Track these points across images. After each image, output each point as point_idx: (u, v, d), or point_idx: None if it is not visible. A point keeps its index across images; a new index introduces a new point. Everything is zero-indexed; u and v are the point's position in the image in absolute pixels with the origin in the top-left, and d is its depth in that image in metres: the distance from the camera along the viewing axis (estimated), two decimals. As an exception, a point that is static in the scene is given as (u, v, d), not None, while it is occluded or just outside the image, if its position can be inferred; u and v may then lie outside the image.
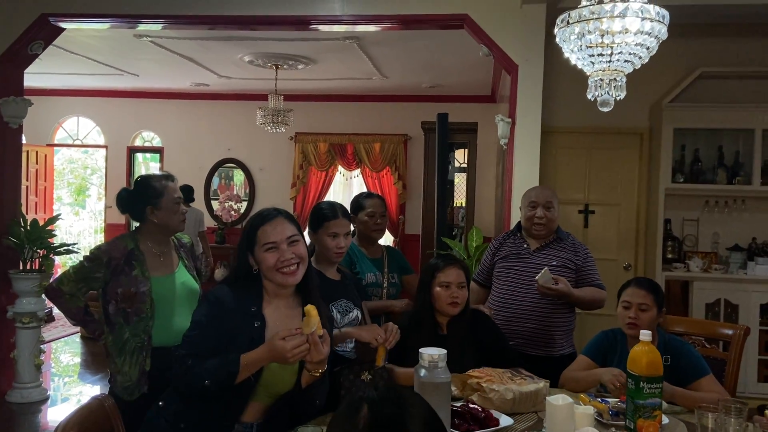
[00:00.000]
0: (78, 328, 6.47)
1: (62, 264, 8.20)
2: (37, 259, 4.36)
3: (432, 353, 1.67)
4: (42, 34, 4.37)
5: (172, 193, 2.51)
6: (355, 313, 2.41)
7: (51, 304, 5.35)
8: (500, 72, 5.83)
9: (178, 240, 2.67)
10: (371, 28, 4.42)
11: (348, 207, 3.01)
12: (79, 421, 1.40)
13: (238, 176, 8.64)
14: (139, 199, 2.52)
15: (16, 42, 4.32)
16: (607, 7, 1.54)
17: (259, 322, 1.82)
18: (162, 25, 4.51)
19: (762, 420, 1.74)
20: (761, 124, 4.50)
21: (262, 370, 1.76)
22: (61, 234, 9.74)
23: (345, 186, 8.33)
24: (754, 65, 4.59)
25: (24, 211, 4.49)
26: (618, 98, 1.69)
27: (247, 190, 8.55)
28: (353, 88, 7.66)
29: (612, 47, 1.57)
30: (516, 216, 3.72)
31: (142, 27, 4.77)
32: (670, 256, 4.76)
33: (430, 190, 5.45)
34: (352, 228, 2.77)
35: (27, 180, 7.47)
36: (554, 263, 2.92)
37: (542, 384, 2.03)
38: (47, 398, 4.55)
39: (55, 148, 8.98)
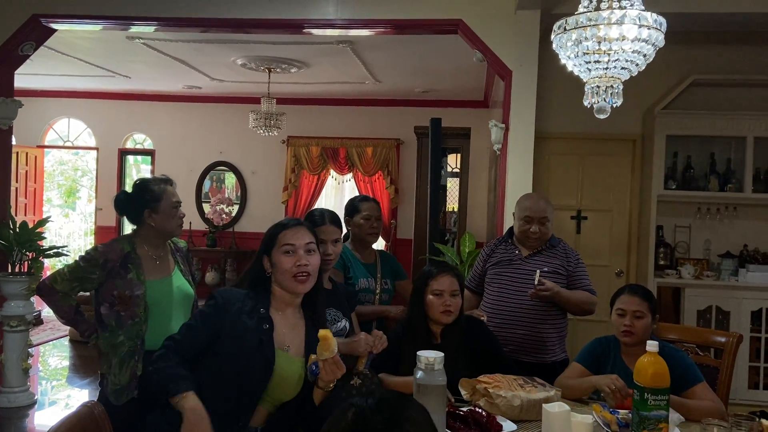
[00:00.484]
0: (66, 331, 6.41)
1: (51, 266, 8.12)
2: (26, 262, 4.31)
3: (429, 355, 1.70)
4: (33, 35, 4.34)
5: (170, 198, 2.51)
6: (343, 323, 2.39)
7: (40, 307, 5.29)
8: (493, 77, 5.84)
9: (174, 244, 2.66)
10: (365, 32, 4.41)
11: (342, 212, 3.00)
12: (68, 428, 1.37)
13: (230, 179, 8.60)
14: (137, 202, 2.52)
15: (6, 43, 4.28)
16: (605, 14, 1.53)
17: (268, 325, 1.84)
18: (154, 27, 4.48)
19: (756, 427, 1.73)
20: (753, 131, 4.52)
21: (271, 377, 1.78)
22: (51, 236, 9.65)
23: (337, 190, 8.31)
24: (746, 73, 4.61)
25: (13, 213, 4.44)
26: (614, 105, 1.69)
27: (239, 194, 8.52)
28: (346, 92, 7.65)
29: (609, 54, 1.57)
30: (509, 222, 3.73)
31: (135, 29, 4.74)
32: (662, 262, 4.77)
33: (423, 194, 5.44)
34: (342, 234, 2.75)
35: (16, 181, 7.40)
36: (545, 269, 2.91)
37: (554, 392, 2.01)
38: (35, 402, 4.49)
39: (46, 149, 8.92)
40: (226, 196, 8.47)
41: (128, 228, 6.97)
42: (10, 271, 4.28)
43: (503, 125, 3.92)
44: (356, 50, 5.68)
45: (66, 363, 5.84)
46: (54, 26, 4.40)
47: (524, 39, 3.87)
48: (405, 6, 4.03)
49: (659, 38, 1.58)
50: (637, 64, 1.62)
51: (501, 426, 1.87)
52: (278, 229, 1.93)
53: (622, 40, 1.54)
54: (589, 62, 1.68)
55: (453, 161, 7.01)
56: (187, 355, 1.80)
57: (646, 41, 1.54)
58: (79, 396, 4.91)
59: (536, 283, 2.71)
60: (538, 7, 3.81)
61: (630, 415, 1.92)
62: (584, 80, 1.71)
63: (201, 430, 1.65)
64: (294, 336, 1.88)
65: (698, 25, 4.21)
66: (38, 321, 5.09)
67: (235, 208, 8.49)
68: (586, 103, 1.72)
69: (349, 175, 8.09)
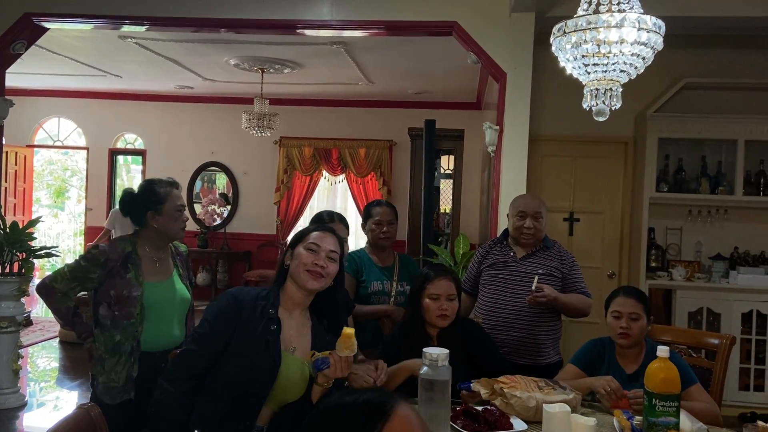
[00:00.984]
0: (56, 332, 6.36)
1: (40, 267, 8.05)
2: (17, 263, 4.26)
3: (434, 352, 1.76)
4: (25, 33, 4.30)
5: (174, 201, 2.51)
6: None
7: (30, 308, 5.24)
8: (486, 79, 5.86)
9: (175, 248, 2.66)
10: (360, 33, 4.41)
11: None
12: (65, 430, 1.35)
13: (221, 180, 8.57)
14: (141, 203, 2.51)
15: (-3, 41, 4.24)
16: (604, 17, 1.54)
17: (275, 326, 1.84)
18: (146, 26, 4.45)
19: (755, 429, 1.74)
20: (744, 134, 4.56)
21: (277, 377, 1.79)
22: (39, 236, 9.56)
23: (329, 191, 8.30)
24: (738, 77, 4.66)
25: (2, 213, 4.40)
26: (613, 108, 1.70)
27: (229, 194, 8.48)
28: (339, 93, 7.65)
29: (608, 57, 1.58)
30: (503, 223, 3.73)
31: (127, 28, 4.71)
32: (653, 264, 4.80)
33: (416, 196, 5.44)
34: (347, 236, 2.78)
35: (6, 181, 7.33)
36: (540, 271, 2.92)
37: (572, 395, 1.99)
38: (25, 404, 4.45)
39: (35, 149, 8.84)
40: (217, 196, 8.43)
41: (117, 230, 6.86)
42: (0, 271, 4.23)
43: (497, 127, 3.93)
44: (350, 51, 5.68)
45: (55, 365, 5.78)
46: (46, 25, 4.37)
47: (519, 41, 3.89)
48: (400, 7, 4.03)
49: (658, 41, 1.59)
50: (636, 67, 1.63)
51: (511, 424, 1.88)
52: (311, 228, 2.00)
53: (622, 43, 1.55)
54: (588, 65, 1.69)
55: (446, 163, 7.02)
56: (204, 365, 1.80)
57: (645, 44, 1.55)
58: (68, 398, 4.87)
59: (534, 288, 2.71)
60: (533, 9, 3.82)
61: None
62: (583, 83, 1.71)
63: None
64: (300, 338, 1.88)
65: (690, 29, 4.24)
66: (28, 322, 5.05)
67: (227, 209, 8.46)
68: (585, 106, 1.72)
69: (342, 176, 8.08)
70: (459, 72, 6.15)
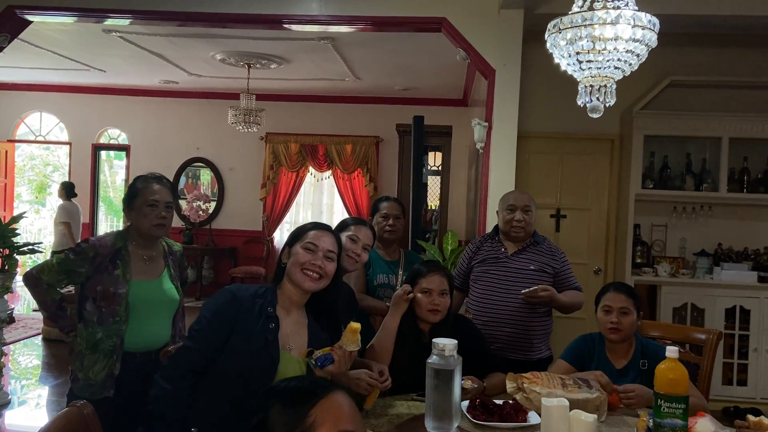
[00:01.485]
0: (39, 330, 6.27)
1: (22, 264, 7.93)
2: (0, 258, 4.20)
3: (443, 342, 1.87)
4: (8, 26, 4.22)
5: (147, 195, 2.41)
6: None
7: (12, 305, 5.16)
8: (473, 76, 5.87)
9: (168, 246, 2.59)
10: (347, 29, 4.39)
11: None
12: (58, 428, 1.33)
13: (205, 176, 8.50)
14: (123, 197, 2.50)
15: (-21, 34, 4.16)
16: (600, 13, 1.54)
17: (274, 324, 1.83)
18: (130, 20, 4.39)
19: (743, 424, 1.76)
20: (728, 132, 4.61)
21: (276, 371, 1.78)
22: (21, 232, 9.43)
23: (316, 187, 8.27)
24: (723, 75, 4.71)
25: (-15, 209, 4.32)
26: (608, 105, 1.71)
27: (215, 190, 8.43)
28: (326, 89, 7.62)
29: (603, 54, 1.58)
30: (492, 219, 3.75)
31: (110, 21, 4.64)
32: (639, 260, 4.85)
33: (405, 192, 5.44)
34: (373, 245, 2.84)
35: (-14, 177, 7.21)
36: (532, 267, 2.94)
37: (596, 395, 1.98)
38: (8, 402, 4.38)
39: (17, 143, 8.70)
40: (202, 192, 8.37)
41: (102, 225, 6.78)
42: (-18, 268, 4.16)
43: (486, 123, 3.94)
44: (337, 47, 5.66)
45: (37, 362, 5.71)
46: (29, 18, 4.29)
47: (508, 38, 3.89)
48: (389, 3, 4.02)
49: (653, 38, 1.60)
50: (630, 64, 1.64)
51: (527, 419, 1.92)
52: (310, 227, 1.97)
53: (617, 40, 1.56)
54: (582, 62, 1.69)
55: (432, 159, 7.03)
56: (201, 363, 1.78)
57: (639, 41, 1.56)
58: (51, 395, 4.80)
59: (523, 292, 2.76)
60: (522, 6, 3.83)
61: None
62: (578, 80, 1.72)
63: None
64: (297, 337, 1.87)
65: (676, 27, 4.28)
66: (11, 319, 4.97)
67: (212, 204, 8.40)
68: (579, 102, 1.73)
69: (328, 173, 8.06)
70: (446, 68, 6.16)
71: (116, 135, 8.68)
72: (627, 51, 1.58)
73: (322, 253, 1.88)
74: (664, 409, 1.62)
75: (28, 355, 5.85)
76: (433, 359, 1.89)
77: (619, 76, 1.68)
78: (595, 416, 1.61)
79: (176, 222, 8.22)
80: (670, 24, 4.15)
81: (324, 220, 8.57)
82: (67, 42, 5.95)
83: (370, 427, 1.98)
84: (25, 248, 4.29)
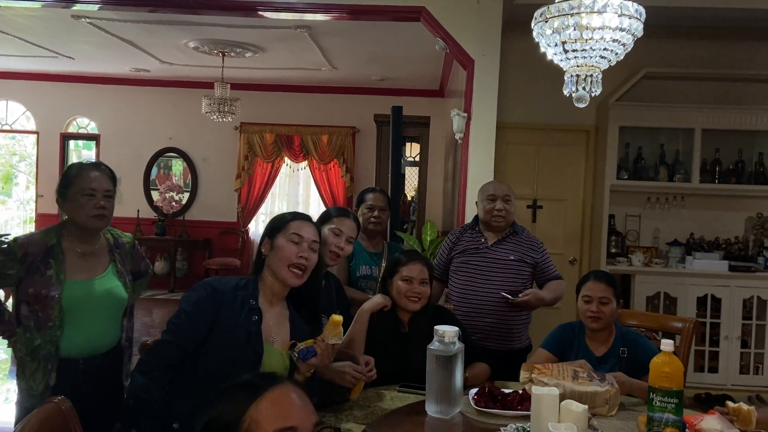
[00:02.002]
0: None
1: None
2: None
3: (441, 329, 1.96)
4: (-29, 10, 4.07)
5: (83, 183, 2.15)
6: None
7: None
8: (450, 67, 5.86)
9: (114, 239, 2.33)
10: (324, 17, 4.33)
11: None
12: (36, 425, 1.29)
13: (177, 166, 8.36)
14: (57, 187, 2.22)
15: (-59, 17, 4.01)
16: (587, 2, 1.54)
17: (257, 317, 1.79)
18: (99, 5, 4.26)
19: (723, 410, 1.79)
20: (701, 123, 4.68)
21: (260, 365, 1.75)
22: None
23: (291, 178, 8.20)
24: (696, 67, 4.77)
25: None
26: (593, 95, 1.71)
27: (188, 181, 8.30)
28: (302, 79, 7.54)
29: (589, 42, 1.58)
30: (471, 210, 3.75)
31: (79, 7, 4.50)
32: (613, 250, 4.91)
33: (383, 183, 5.42)
34: (357, 237, 2.85)
35: (-51, 166, 6.98)
36: (512, 258, 2.96)
37: (606, 388, 1.97)
38: (-25, 399, 4.26)
39: (-20, 133, 8.45)
40: (175, 182, 8.23)
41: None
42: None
43: (465, 114, 3.93)
44: (314, 36, 5.59)
45: (5, 356, 5.57)
46: (-6, 1, 4.15)
47: (487, 28, 3.89)
48: (368, -8, 3.98)
49: (639, 28, 1.60)
50: (616, 53, 1.64)
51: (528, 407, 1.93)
52: (291, 216, 1.93)
53: (603, 29, 1.55)
54: (568, 51, 1.69)
55: (409, 150, 7.02)
56: (180, 356, 1.73)
57: (626, 30, 1.56)
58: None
59: (510, 298, 2.79)
60: (501, -4, 3.83)
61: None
62: (564, 69, 1.72)
63: None
64: (280, 329, 1.85)
65: (651, 18, 4.30)
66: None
67: (186, 195, 8.27)
68: (566, 92, 1.73)
69: (304, 163, 8.00)
70: (423, 59, 6.14)
71: (85, 124, 8.48)
72: (613, 40, 1.58)
73: (307, 244, 1.85)
74: (656, 402, 1.61)
75: (-5, 350, 5.70)
76: (435, 345, 1.95)
77: (604, 65, 1.68)
78: (586, 407, 1.62)
79: (149, 213, 8.09)
80: (646, 15, 4.21)
81: (301, 211, 8.50)
82: (35, 28, 5.77)
83: (353, 419, 1.97)
84: (-8, 240, 4.16)
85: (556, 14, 1.58)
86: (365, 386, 2.20)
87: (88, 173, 2.19)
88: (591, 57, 1.61)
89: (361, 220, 3.11)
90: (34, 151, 8.43)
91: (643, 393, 2.17)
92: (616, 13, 1.54)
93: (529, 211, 4.98)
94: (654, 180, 4.85)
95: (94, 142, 8.38)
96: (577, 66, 1.66)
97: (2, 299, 2.27)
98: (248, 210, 8.08)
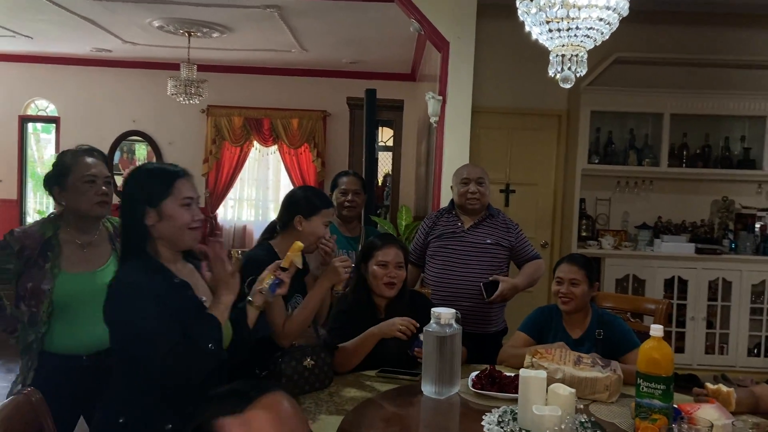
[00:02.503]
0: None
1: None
2: None
3: (439, 311, 1.99)
4: None
5: (82, 170, 2.09)
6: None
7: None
8: (422, 50, 5.82)
9: (114, 227, 2.24)
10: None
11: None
12: (6, 417, 1.22)
13: (141, 150, 8.14)
14: (50, 177, 2.14)
15: None
16: (574, -20, 1.51)
17: (189, 290, 1.70)
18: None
19: (702, 392, 1.80)
20: (669, 108, 4.75)
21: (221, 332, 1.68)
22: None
23: (261, 162, 8.06)
24: (666, 52, 4.83)
25: None
26: (578, 74, 1.69)
27: (154, 165, 8.08)
28: (271, 61, 7.39)
29: (575, 21, 1.56)
30: (446, 194, 3.73)
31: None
32: (584, 234, 4.97)
33: (357, 167, 5.36)
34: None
35: None
36: (488, 241, 2.96)
37: (607, 375, 1.95)
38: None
39: (-68, 115, 8.08)
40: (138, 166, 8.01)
41: (31, 203, 6.37)
42: None
43: (440, 97, 3.90)
44: (284, 16, 5.47)
45: None
46: (-55, -25, 3.93)
47: (462, 10, 3.86)
48: (341, -29, 3.90)
49: (625, 7, 1.59)
50: (601, 33, 1.62)
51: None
52: (176, 176, 1.71)
53: (590, 7, 1.53)
54: (553, 30, 1.66)
55: (381, 135, 6.96)
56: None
57: (613, 9, 1.54)
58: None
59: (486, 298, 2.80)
60: (476, -22, 3.79)
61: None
62: (549, 49, 1.69)
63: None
64: (199, 285, 1.76)
65: (624, 4, 4.34)
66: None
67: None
68: (551, 72, 1.71)
69: (274, 147, 7.87)
70: (394, 42, 6.07)
71: (44, 106, 8.18)
72: (599, 19, 1.56)
73: (196, 204, 1.73)
74: (643, 388, 1.59)
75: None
76: (432, 327, 1.98)
77: (590, 45, 1.66)
78: (573, 390, 1.61)
79: (113, 198, 7.87)
80: (618, 0, 4.23)
81: (270, 197, 8.45)
82: (-11, 4, 5.52)
83: (334, 405, 1.94)
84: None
85: (543, -8, 1.55)
86: (339, 373, 2.19)
87: (85, 159, 2.13)
88: (576, 36, 1.59)
89: (335, 204, 3.08)
90: (-9, 135, 8.10)
91: (624, 375, 2.08)
92: (603, -9, 1.52)
93: (501, 195, 4.99)
94: (624, 164, 4.91)
95: (54, 125, 8.10)
96: (562, 46, 1.64)
97: (2, 295, 2.13)
98: (216, 195, 7.93)
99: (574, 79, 1.69)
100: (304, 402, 1.95)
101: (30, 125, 8.31)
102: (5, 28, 6.33)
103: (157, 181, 1.69)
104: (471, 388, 2.01)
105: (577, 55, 1.65)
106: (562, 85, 1.70)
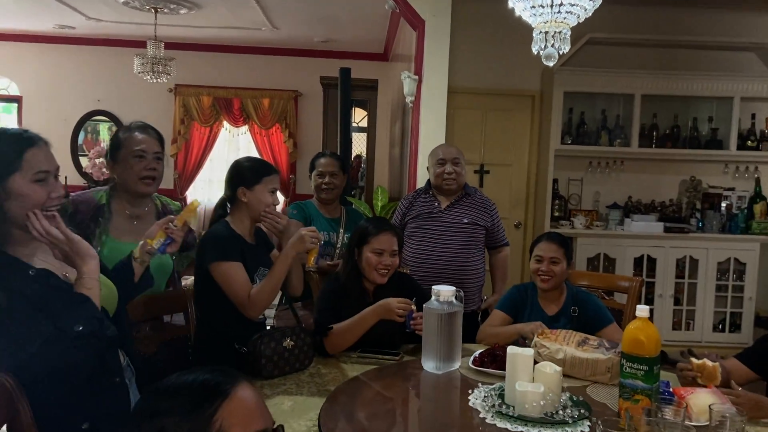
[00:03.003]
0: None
1: None
2: None
3: (439, 288, 2.05)
4: None
5: (131, 145, 2.17)
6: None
7: None
8: (396, 29, 5.76)
9: (163, 205, 2.35)
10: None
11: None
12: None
13: (105, 131, 7.93)
14: (108, 151, 2.26)
15: None
16: (559, -45, 1.50)
17: (52, 277, 1.50)
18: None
19: (686, 366, 1.83)
20: (640, 89, 4.80)
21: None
22: None
23: (231, 143, 7.93)
24: (637, 33, 4.86)
25: None
26: (561, 51, 1.68)
27: (120, 146, 7.88)
28: (241, 39, 7.24)
29: (560, -2, 1.55)
30: (422, 175, 3.73)
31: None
32: (557, 214, 5.02)
33: (331, 147, 5.31)
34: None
35: None
36: (465, 220, 2.97)
37: (608, 356, 1.94)
38: None
39: None
40: (103, 147, 7.81)
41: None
42: None
43: (416, 77, 3.87)
44: (254, -8, 5.36)
45: None
46: None
47: (437, -12, 3.82)
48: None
49: (609, -16, 1.58)
50: (585, 9, 1.61)
51: None
52: (23, 145, 1.48)
53: (574, -16, 1.52)
54: (534, 7, 1.65)
55: (355, 116, 6.90)
56: None
57: (598, -14, 1.54)
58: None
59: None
60: (451, -45, 3.76)
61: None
62: (532, 26, 1.68)
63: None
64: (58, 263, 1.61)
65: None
66: None
67: (118, 161, 7.87)
68: (534, 50, 1.70)
69: (245, 128, 7.74)
70: (367, 20, 6.00)
71: (6, 85, 7.89)
72: (584, -5, 1.55)
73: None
74: (626, 369, 1.58)
75: None
76: (433, 305, 2.03)
77: (573, 22, 1.66)
78: (560, 369, 1.62)
79: (78, 180, 7.67)
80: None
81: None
82: (-57, -23, 5.27)
83: (315, 385, 1.93)
84: None
85: (527, -32, 1.53)
86: (323, 354, 2.18)
87: (136, 135, 2.21)
88: (560, 13, 1.58)
89: (313, 186, 3.08)
90: (-53, 114, 7.80)
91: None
92: (587, -33, 1.51)
93: (476, 176, 5.01)
94: (596, 145, 4.96)
95: (16, 104, 7.83)
96: (546, 23, 1.63)
97: None
98: (186, 176, 7.79)
99: (557, 57, 1.69)
100: (285, 383, 1.93)
101: (-11, 104, 8.02)
102: (-39, 3, 6.07)
103: (1, 151, 1.45)
104: (470, 365, 2.04)
105: (560, 32, 1.65)
106: (545, 62, 1.69)
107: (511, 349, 1.68)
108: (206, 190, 7.91)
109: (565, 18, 1.62)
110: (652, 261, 4.86)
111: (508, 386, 1.63)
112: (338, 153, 4.20)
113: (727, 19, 4.97)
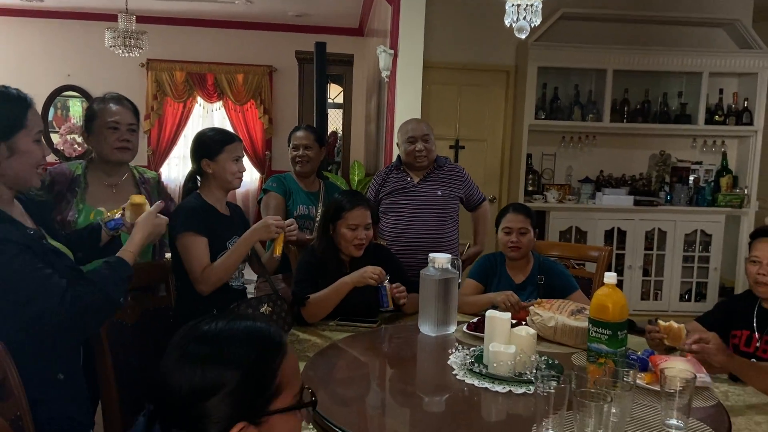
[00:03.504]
0: None
1: None
2: None
3: (434, 256, 2.12)
4: None
5: (105, 117, 2.19)
6: None
7: None
8: (371, 4, 5.74)
9: (140, 174, 2.37)
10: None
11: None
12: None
13: (76, 106, 7.78)
14: (83, 122, 2.29)
15: None
16: (531, -71, 1.53)
17: (44, 238, 1.53)
18: None
19: (654, 329, 1.92)
20: (612, 64, 4.87)
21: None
22: None
23: (205, 119, 7.85)
24: (610, 8, 4.92)
25: None
26: (533, 24, 1.72)
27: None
28: (214, 13, 7.14)
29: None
30: (398, 150, 3.76)
31: None
32: (530, 188, 5.11)
33: (308, 123, 5.31)
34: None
35: None
36: (439, 193, 3.03)
37: None
38: None
39: None
40: (74, 123, 7.68)
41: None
42: None
43: (392, 51, 3.89)
44: (228, -35, 5.28)
45: None
46: None
47: (413, -39, 3.81)
48: None
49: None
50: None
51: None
52: (26, 104, 1.52)
53: (545, -43, 1.56)
54: (507, -20, 1.68)
55: (330, 92, 6.88)
56: None
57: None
58: None
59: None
60: (426, -72, 3.75)
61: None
62: (505, -2, 1.72)
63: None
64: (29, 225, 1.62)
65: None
66: None
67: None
68: (507, 22, 1.73)
69: (219, 104, 7.67)
70: (343, -6, 5.97)
71: (-30, 59, 7.69)
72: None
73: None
74: (592, 333, 1.63)
75: None
76: (430, 271, 2.11)
77: (545, -5, 1.70)
78: (535, 332, 1.70)
79: (49, 157, 7.54)
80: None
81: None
82: None
83: (295, 352, 1.98)
84: None
85: (500, -59, 1.56)
86: (302, 322, 2.23)
87: (111, 107, 2.23)
88: (531, -14, 1.62)
89: (290, 160, 3.09)
90: None
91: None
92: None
93: (451, 151, 5.06)
94: (569, 120, 5.04)
95: (-18, 79, 7.63)
96: (518, -5, 1.66)
97: None
98: (160, 153, 7.71)
99: (528, 29, 1.73)
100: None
101: (-46, 80, 7.80)
102: None
103: (7, 108, 1.47)
104: (464, 330, 2.12)
105: (531, 5, 1.69)
106: (517, 34, 1.73)
107: (489, 313, 1.75)
108: (181, 166, 7.85)
109: (536, -9, 1.66)
110: (622, 233, 4.99)
111: (485, 348, 1.70)
112: (315, 127, 4.21)
113: (697, -5, 5.05)
